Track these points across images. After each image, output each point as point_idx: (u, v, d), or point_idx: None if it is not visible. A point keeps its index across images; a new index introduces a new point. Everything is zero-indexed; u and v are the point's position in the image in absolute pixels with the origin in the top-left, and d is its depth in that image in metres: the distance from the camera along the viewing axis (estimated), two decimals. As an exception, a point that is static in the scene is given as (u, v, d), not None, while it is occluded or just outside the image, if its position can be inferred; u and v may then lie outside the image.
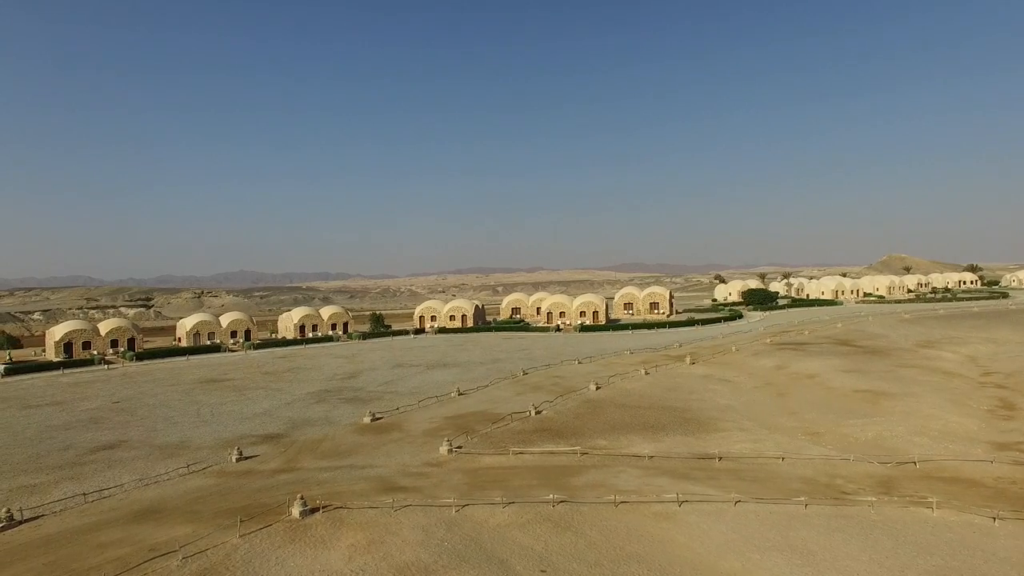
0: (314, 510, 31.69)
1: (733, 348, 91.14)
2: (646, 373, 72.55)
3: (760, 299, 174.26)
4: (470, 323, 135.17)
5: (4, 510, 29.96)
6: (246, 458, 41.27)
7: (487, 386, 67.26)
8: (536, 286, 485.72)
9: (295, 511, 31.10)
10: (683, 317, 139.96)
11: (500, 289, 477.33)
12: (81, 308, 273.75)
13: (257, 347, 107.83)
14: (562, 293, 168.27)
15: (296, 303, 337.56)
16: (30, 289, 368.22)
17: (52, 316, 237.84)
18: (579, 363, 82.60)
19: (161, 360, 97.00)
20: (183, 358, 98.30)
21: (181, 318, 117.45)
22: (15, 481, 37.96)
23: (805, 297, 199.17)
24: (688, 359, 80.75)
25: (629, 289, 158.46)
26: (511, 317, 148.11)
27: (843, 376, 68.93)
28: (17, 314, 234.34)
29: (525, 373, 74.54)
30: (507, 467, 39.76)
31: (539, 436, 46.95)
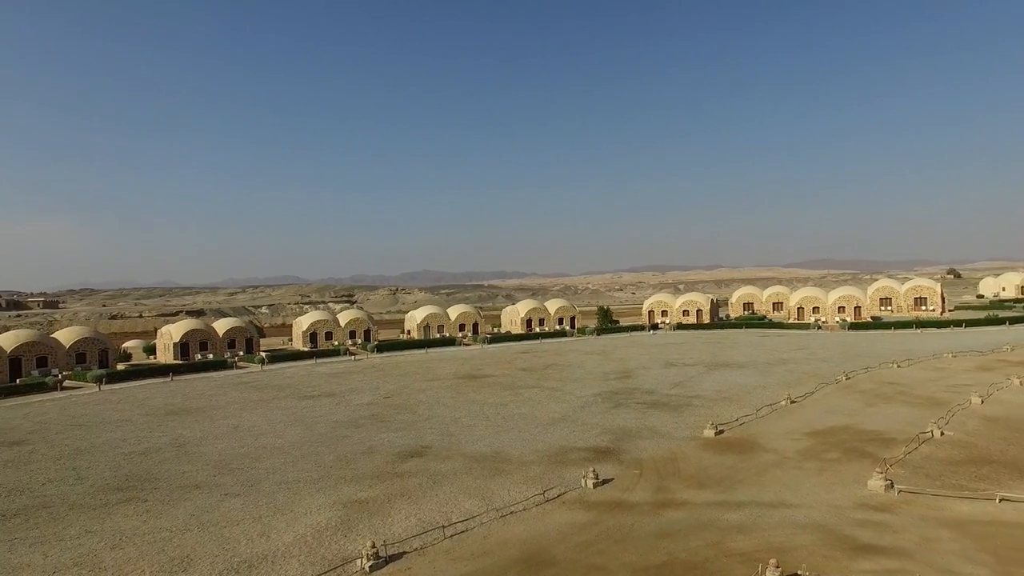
0: (793, 584, 20.70)
1: (1105, 353, 68.67)
2: (1022, 384, 54.50)
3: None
4: (706, 319, 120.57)
5: (370, 544, 22.61)
6: (602, 482, 31.64)
7: (812, 392, 53.42)
8: (719, 284, 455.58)
9: (772, 586, 20.28)
10: (980, 315, 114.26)
11: (682, 287, 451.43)
12: (296, 303, 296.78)
13: (490, 341, 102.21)
14: (815, 287, 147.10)
15: (481, 300, 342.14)
16: (256, 287, 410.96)
17: (276, 310, 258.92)
18: (898, 367, 65.82)
19: (400, 352, 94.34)
20: (421, 351, 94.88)
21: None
22: (341, 491, 31.40)
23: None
24: (1055, 366, 60.96)
25: (886, 282, 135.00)
26: (751, 313, 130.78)
27: None
28: (249, 307, 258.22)
29: (848, 377, 59.59)
30: (1008, 523, 26.19)
31: (989, 470, 32.58)
